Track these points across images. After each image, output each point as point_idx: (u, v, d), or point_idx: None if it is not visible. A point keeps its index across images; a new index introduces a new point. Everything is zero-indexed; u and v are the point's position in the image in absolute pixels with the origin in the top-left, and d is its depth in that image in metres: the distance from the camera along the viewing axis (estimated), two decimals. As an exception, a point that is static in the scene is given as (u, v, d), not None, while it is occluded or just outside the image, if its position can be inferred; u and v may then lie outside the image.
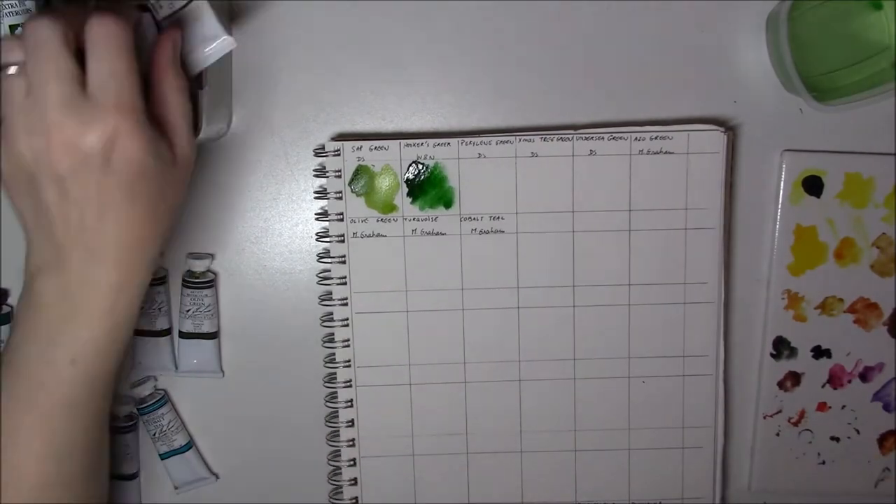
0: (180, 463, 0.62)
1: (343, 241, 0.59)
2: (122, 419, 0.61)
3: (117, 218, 0.41)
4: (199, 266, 0.60)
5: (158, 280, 0.60)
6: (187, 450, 0.62)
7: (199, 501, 0.63)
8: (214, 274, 0.61)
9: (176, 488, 0.63)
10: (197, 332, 0.60)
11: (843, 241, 0.60)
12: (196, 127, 0.53)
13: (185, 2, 0.50)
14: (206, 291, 0.60)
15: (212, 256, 0.61)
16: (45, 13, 0.41)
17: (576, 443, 0.62)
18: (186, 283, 0.60)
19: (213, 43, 0.50)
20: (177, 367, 0.61)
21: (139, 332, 0.60)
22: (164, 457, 0.62)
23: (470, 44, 0.59)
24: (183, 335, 0.61)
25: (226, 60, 0.54)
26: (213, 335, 0.61)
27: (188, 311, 0.60)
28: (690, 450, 0.62)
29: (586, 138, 0.58)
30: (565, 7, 0.59)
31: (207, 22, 0.50)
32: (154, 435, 0.61)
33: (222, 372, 0.62)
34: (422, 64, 0.59)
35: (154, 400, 0.61)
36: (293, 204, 0.61)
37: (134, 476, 0.62)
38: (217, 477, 0.63)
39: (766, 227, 0.61)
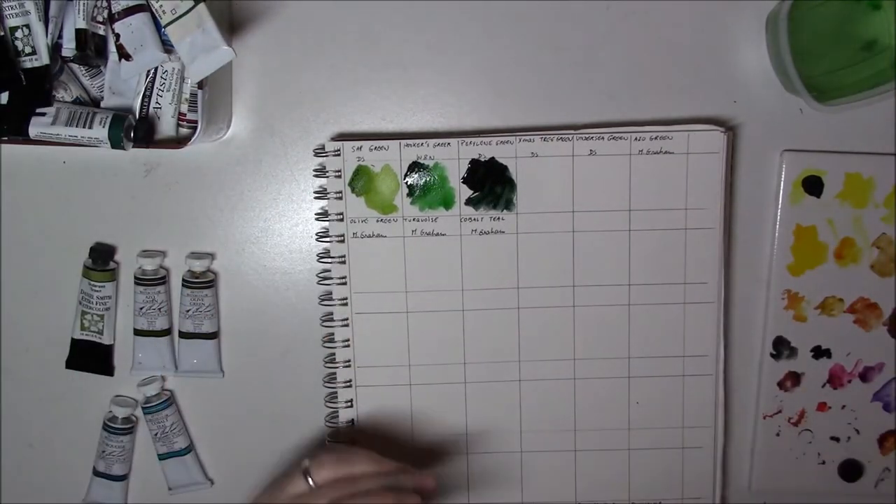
0: (178, 465, 0.62)
1: (343, 242, 0.59)
2: (120, 421, 0.61)
3: None
4: (199, 266, 0.60)
5: (158, 280, 0.60)
6: (186, 453, 0.62)
7: (202, 501, 0.63)
8: (214, 274, 0.61)
9: (170, 489, 0.63)
10: (197, 332, 0.60)
11: (843, 241, 0.60)
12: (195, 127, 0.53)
13: (187, 9, 0.50)
14: (206, 291, 0.60)
15: (212, 256, 0.61)
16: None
17: (576, 443, 0.62)
18: (186, 283, 0.60)
19: (213, 53, 0.51)
20: (177, 368, 0.61)
21: (139, 333, 0.60)
22: (162, 458, 0.62)
23: (470, 44, 0.59)
24: (183, 335, 0.61)
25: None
26: (213, 335, 0.61)
27: (188, 311, 0.60)
28: (690, 450, 0.62)
29: (586, 138, 0.58)
30: (565, 7, 0.59)
31: (209, 31, 0.50)
32: (155, 435, 0.61)
33: (222, 372, 0.62)
34: (422, 64, 0.59)
35: (160, 400, 0.61)
36: (293, 204, 0.61)
37: (123, 478, 0.62)
38: (212, 483, 0.63)
39: (766, 227, 0.61)
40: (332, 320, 0.60)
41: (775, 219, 0.60)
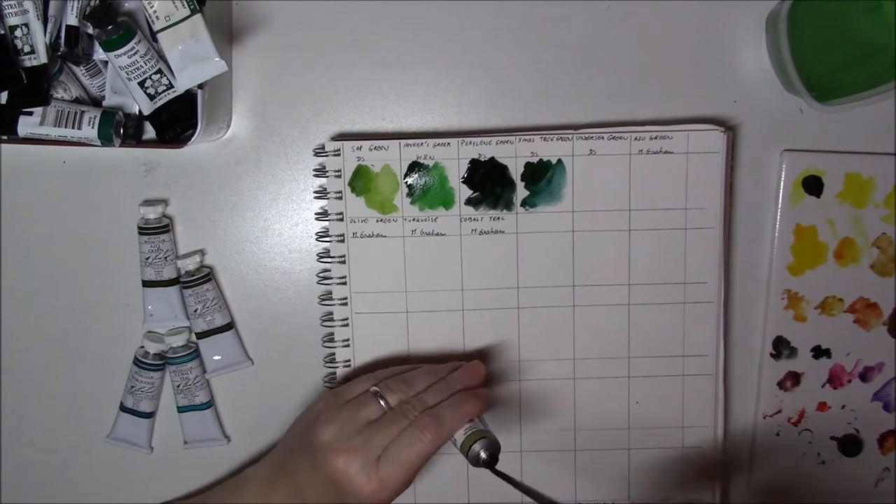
0: (197, 419, 0.62)
1: (343, 241, 0.59)
2: (152, 357, 0.61)
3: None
4: (190, 264, 0.60)
5: (162, 228, 0.59)
6: (206, 408, 0.62)
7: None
8: (209, 268, 0.61)
9: (185, 443, 0.63)
10: (211, 328, 0.60)
11: (843, 241, 0.60)
12: (195, 127, 0.53)
13: (182, 17, 0.50)
14: (206, 286, 0.60)
15: (201, 252, 0.61)
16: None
17: (576, 443, 0.62)
18: (185, 285, 0.60)
19: (205, 64, 0.51)
20: (205, 370, 0.61)
21: (147, 284, 0.60)
22: (181, 410, 0.62)
23: (470, 44, 0.59)
24: (200, 336, 0.61)
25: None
26: (229, 326, 0.61)
27: (196, 310, 0.60)
28: (690, 449, 0.62)
29: (586, 138, 0.58)
30: (565, 7, 0.59)
31: (202, 41, 0.50)
32: (178, 387, 0.61)
33: (251, 360, 0.62)
34: (422, 64, 0.59)
35: (186, 352, 0.61)
36: (293, 204, 0.61)
37: (150, 415, 0.62)
38: (229, 440, 0.63)
39: (766, 227, 0.61)
40: (332, 320, 0.60)
41: (775, 219, 0.60)
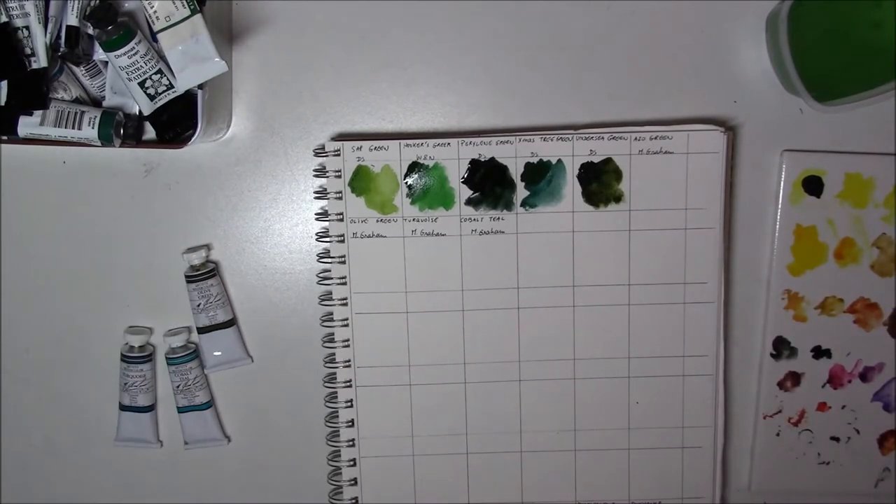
0: (197, 419, 0.62)
1: (343, 242, 0.59)
2: (137, 350, 0.61)
3: None
4: (196, 259, 0.60)
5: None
6: (207, 408, 0.62)
7: (206, 501, 0.64)
8: (214, 263, 0.61)
9: (186, 443, 0.63)
10: (213, 324, 0.60)
11: (843, 241, 0.60)
12: (195, 127, 0.53)
13: (182, 17, 0.50)
14: (210, 282, 0.60)
15: (207, 247, 0.61)
16: None
17: (576, 443, 0.62)
18: (190, 279, 0.60)
19: (205, 64, 0.51)
20: (204, 366, 0.61)
21: (203, 330, 0.60)
22: (181, 410, 0.62)
23: (470, 44, 0.59)
24: (201, 330, 0.61)
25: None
26: (230, 322, 0.61)
27: (199, 305, 0.60)
28: (690, 450, 0.62)
29: (586, 138, 0.58)
30: (565, 7, 0.59)
31: (202, 42, 0.50)
32: (178, 387, 0.61)
33: (250, 357, 0.62)
34: (422, 64, 0.59)
35: (186, 353, 0.61)
36: (293, 204, 0.61)
37: (150, 409, 0.62)
38: (229, 440, 0.63)
39: (766, 227, 0.61)
40: (332, 320, 0.60)
41: (775, 219, 0.60)
